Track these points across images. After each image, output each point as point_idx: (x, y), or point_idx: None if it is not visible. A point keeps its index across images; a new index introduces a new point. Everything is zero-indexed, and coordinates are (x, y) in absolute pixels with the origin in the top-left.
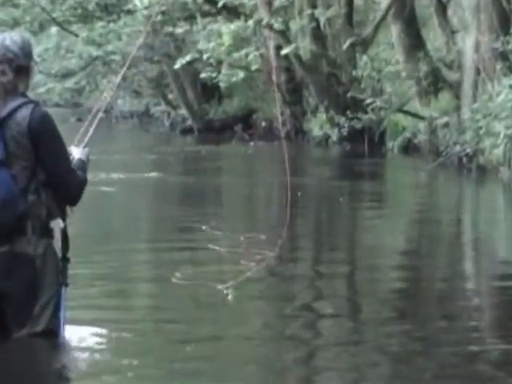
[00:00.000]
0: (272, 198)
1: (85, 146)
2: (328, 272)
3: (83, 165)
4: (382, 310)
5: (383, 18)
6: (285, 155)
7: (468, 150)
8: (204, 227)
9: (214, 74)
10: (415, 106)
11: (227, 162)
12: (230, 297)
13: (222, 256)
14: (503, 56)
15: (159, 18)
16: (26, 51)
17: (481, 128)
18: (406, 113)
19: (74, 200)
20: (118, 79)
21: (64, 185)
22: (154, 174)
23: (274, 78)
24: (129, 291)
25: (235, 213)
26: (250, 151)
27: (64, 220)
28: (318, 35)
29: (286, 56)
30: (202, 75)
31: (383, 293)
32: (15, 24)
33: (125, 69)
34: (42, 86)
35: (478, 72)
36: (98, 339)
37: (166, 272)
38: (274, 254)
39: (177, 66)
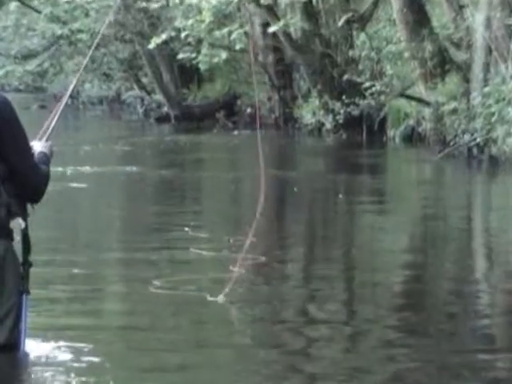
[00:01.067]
0: (255, 194)
1: (47, 139)
2: (323, 276)
3: (46, 159)
4: (384, 318)
5: None
6: (260, 151)
7: (479, 140)
8: (186, 228)
9: (193, 55)
10: (419, 90)
11: (209, 153)
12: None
13: (206, 261)
14: None
15: None
16: None
17: (493, 114)
18: (409, 98)
19: (36, 197)
20: (85, 62)
21: (26, 180)
22: (127, 168)
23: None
24: (101, 301)
25: (219, 211)
26: (234, 141)
27: (25, 219)
28: (309, 11)
29: (274, 34)
30: (180, 56)
31: (385, 298)
32: None
33: (91, 51)
34: None
35: (489, 52)
36: (65, 353)
37: (143, 279)
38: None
39: (151, 45)
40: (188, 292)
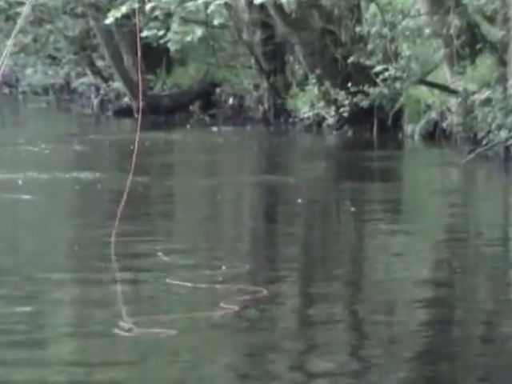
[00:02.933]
0: (245, 207)
1: None
2: (323, 316)
3: None
4: (399, 370)
5: None
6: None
7: None
8: (159, 253)
9: (160, 32)
10: (444, 75)
11: (181, 155)
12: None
13: (188, 295)
14: None
15: None
16: None
17: None
18: (432, 85)
19: None
20: (13, 37)
21: None
22: (81, 175)
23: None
24: (47, 348)
25: (196, 230)
26: (212, 139)
27: None
28: None
29: (263, 6)
30: (145, 34)
31: (401, 347)
32: None
33: (20, 22)
34: None
35: None
36: None
37: (105, 320)
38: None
39: (108, 20)
40: (160, 335)
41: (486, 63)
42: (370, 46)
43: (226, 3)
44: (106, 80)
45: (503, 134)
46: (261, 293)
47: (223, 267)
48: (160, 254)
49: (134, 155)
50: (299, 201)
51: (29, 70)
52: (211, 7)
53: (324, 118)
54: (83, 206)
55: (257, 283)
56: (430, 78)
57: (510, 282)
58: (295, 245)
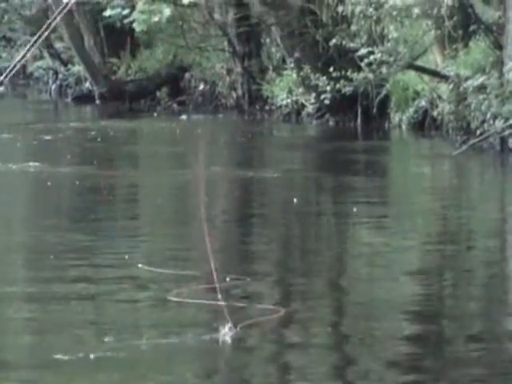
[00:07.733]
0: (221, 204)
1: None
2: (301, 333)
3: None
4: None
5: None
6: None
7: None
8: (140, 264)
9: (125, 12)
10: (434, 59)
11: (147, 146)
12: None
13: (182, 312)
14: None
15: None
16: None
17: None
18: (421, 70)
19: None
20: None
21: None
22: (36, 168)
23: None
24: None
25: (175, 233)
26: (181, 128)
27: None
28: None
29: None
30: (108, 13)
31: (385, 364)
32: None
33: None
34: None
35: None
36: None
37: (75, 346)
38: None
39: None
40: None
41: (480, 46)
42: (353, 27)
43: None
44: (65, 63)
45: (499, 123)
46: (277, 313)
47: (227, 279)
48: (140, 265)
49: (202, 148)
50: (295, 200)
51: None
52: None
53: (303, 106)
54: (36, 203)
55: (274, 301)
56: (419, 63)
57: (505, 289)
58: (257, 245)
